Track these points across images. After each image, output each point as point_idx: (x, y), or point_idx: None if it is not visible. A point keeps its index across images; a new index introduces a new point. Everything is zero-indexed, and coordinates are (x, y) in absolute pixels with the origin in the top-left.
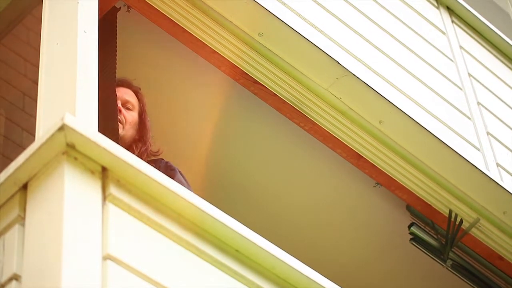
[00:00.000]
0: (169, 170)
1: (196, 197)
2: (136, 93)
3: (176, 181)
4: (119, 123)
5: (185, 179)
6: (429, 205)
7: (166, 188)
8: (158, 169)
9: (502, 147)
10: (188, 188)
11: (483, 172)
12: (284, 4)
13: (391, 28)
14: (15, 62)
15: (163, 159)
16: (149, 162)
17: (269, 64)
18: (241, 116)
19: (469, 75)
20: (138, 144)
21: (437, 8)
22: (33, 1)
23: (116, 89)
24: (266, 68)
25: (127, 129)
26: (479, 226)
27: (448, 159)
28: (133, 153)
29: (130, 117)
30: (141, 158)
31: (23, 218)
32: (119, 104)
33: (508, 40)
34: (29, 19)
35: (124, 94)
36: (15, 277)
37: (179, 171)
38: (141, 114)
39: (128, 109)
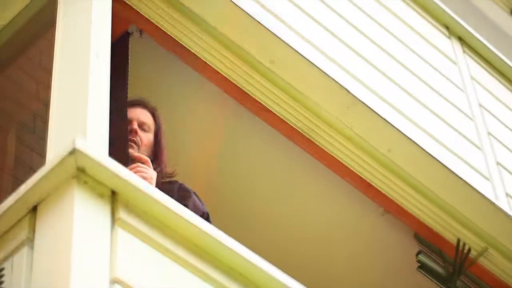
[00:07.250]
0: (183, 192)
1: (204, 222)
2: (153, 113)
3: (191, 203)
4: (134, 145)
5: (200, 201)
6: (437, 233)
7: (175, 213)
8: (172, 191)
9: None
10: (203, 210)
11: (492, 202)
12: (296, 32)
13: (402, 57)
14: (27, 84)
15: (177, 181)
16: (163, 183)
17: (280, 91)
18: (250, 143)
19: (480, 105)
20: (153, 166)
21: (449, 38)
22: (46, 24)
23: (133, 110)
24: (276, 95)
25: (142, 151)
26: (487, 255)
27: (457, 189)
28: None
29: (146, 138)
30: (156, 180)
31: (32, 240)
32: (135, 125)
33: None
34: (42, 42)
35: (140, 115)
36: None
37: (194, 193)
38: (157, 135)
39: (144, 130)
